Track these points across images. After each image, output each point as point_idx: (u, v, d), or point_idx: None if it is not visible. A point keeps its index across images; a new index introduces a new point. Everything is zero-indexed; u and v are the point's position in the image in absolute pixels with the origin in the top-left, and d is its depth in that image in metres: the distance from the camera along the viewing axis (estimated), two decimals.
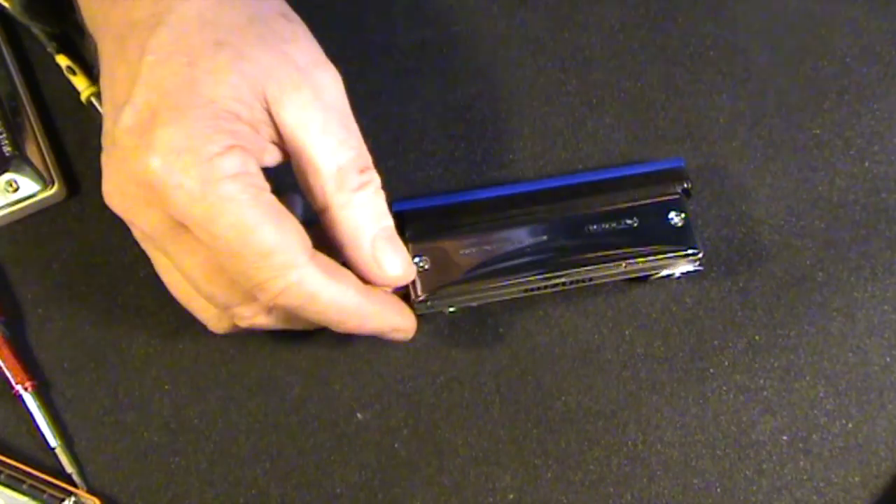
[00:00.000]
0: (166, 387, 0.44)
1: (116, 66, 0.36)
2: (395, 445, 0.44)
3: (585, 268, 0.42)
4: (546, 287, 0.43)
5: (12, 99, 0.47)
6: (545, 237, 0.42)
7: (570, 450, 0.43)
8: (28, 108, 0.47)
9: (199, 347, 0.45)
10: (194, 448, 0.44)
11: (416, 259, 0.41)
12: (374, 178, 0.38)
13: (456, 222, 0.42)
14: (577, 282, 0.43)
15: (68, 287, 0.45)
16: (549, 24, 0.48)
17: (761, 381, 0.44)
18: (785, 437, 0.43)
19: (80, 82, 0.47)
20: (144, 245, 0.39)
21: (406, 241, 0.41)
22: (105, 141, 0.36)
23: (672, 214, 0.42)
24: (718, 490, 0.43)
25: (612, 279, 0.44)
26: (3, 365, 0.44)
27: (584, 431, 0.44)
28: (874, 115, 0.47)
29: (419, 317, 0.42)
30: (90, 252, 0.46)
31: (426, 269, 0.41)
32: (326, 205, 0.37)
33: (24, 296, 0.45)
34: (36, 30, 0.47)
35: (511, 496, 0.43)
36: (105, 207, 0.46)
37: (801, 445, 0.43)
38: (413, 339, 0.44)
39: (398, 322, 0.40)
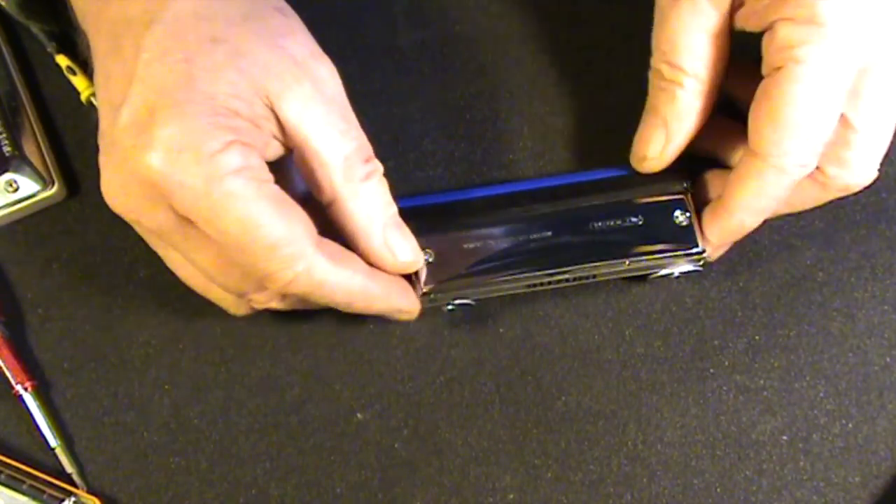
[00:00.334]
0: (166, 387, 0.44)
1: (111, 64, 0.36)
2: (395, 445, 0.44)
3: (589, 265, 0.42)
4: (549, 283, 0.43)
5: (12, 99, 0.47)
6: (549, 233, 0.42)
7: (570, 450, 0.43)
8: (28, 108, 0.47)
9: (199, 347, 0.45)
10: (194, 448, 0.44)
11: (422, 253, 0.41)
12: (378, 167, 0.38)
13: (460, 218, 0.42)
14: (580, 278, 0.43)
15: (68, 287, 0.45)
16: (549, 24, 0.48)
17: (761, 381, 0.44)
18: (785, 437, 0.43)
19: (80, 82, 0.47)
20: (152, 242, 0.39)
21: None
22: (102, 141, 0.36)
23: (677, 213, 0.42)
24: (718, 490, 0.43)
25: (614, 277, 0.44)
26: (3, 365, 0.44)
27: (584, 431, 0.44)
28: None
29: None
30: (90, 252, 0.46)
31: (430, 263, 0.41)
32: (335, 197, 0.37)
33: (24, 296, 0.45)
34: (35, 30, 0.47)
35: (511, 496, 0.43)
36: (105, 207, 0.46)
37: (801, 445, 0.43)
38: (413, 339, 0.44)
39: (403, 303, 0.40)
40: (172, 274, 0.45)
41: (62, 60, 0.47)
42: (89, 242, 0.46)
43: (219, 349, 0.45)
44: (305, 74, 0.36)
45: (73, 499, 0.43)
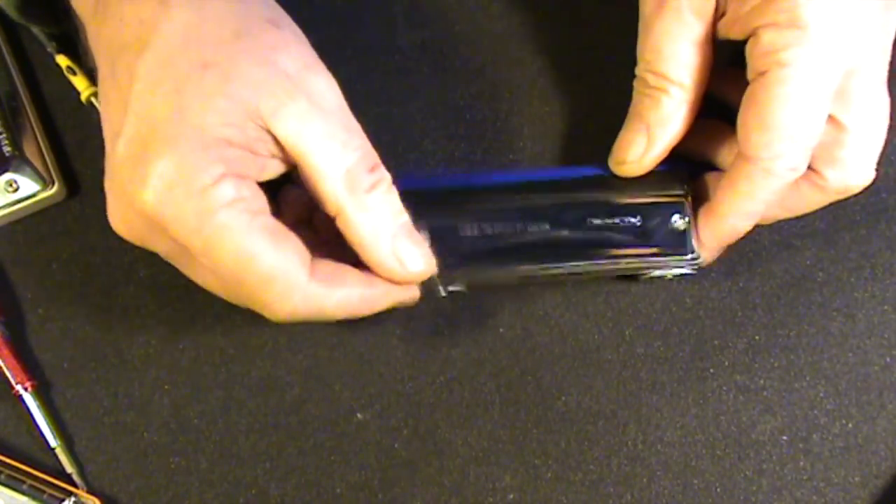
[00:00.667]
0: (166, 387, 0.44)
1: (109, 88, 0.36)
2: (395, 445, 0.44)
3: (583, 262, 0.42)
4: (542, 276, 0.43)
5: (12, 99, 0.47)
6: (546, 226, 0.42)
7: (570, 450, 0.43)
8: (28, 108, 0.47)
9: (199, 347, 0.45)
10: (194, 448, 0.44)
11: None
12: (385, 176, 0.37)
13: (459, 203, 0.42)
14: (574, 274, 0.43)
15: (68, 287, 0.45)
16: (549, 23, 0.48)
17: (761, 381, 0.44)
18: (785, 437, 0.43)
19: (80, 82, 0.47)
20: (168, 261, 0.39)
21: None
22: (107, 165, 0.36)
23: (675, 217, 0.42)
24: (718, 490, 0.43)
25: (606, 274, 0.44)
26: (3, 365, 0.44)
27: (584, 431, 0.44)
28: None
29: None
30: (90, 252, 0.46)
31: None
32: (339, 210, 0.36)
33: (24, 296, 0.45)
34: (36, 31, 0.47)
35: (511, 496, 0.43)
36: (105, 207, 0.46)
37: (801, 445, 0.43)
38: (413, 339, 0.44)
39: (403, 296, 0.39)
40: (172, 274, 0.44)
41: (62, 60, 0.47)
42: (89, 242, 0.46)
43: (219, 349, 0.45)
44: (299, 89, 0.35)
45: (73, 499, 0.43)
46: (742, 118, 0.38)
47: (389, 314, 0.44)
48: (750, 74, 0.38)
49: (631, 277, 0.44)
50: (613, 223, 0.42)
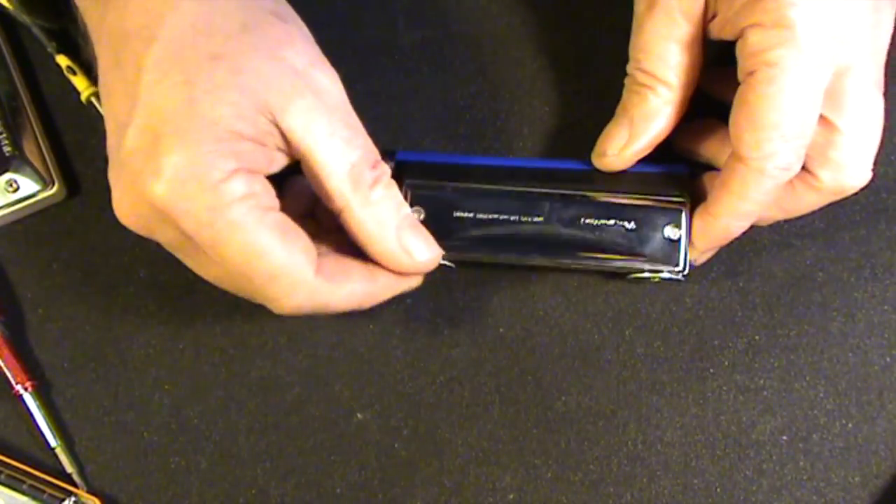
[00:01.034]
0: (166, 387, 0.44)
1: (113, 80, 0.36)
2: (395, 445, 0.44)
3: (571, 259, 0.42)
4: (528, 265, 0.44)
5: (12, 99, 0.47)
6: (540, 218, 0.42)
7: (570, 450, 0.43)
8: (28, 108, 0.47)
9: (199, 347, 0.45)
10: (194, 448, 0.44)
11: (412, 209, 0.41)
12: (386, 170, 0.38)
13: (457, 181, 0.42)
14: (561, 268, 0.44)
15: (68, 287, 0.45)
16: (549, 23, 0.48)
17: (761, 381, 0.44)
18: (785, 437, 0.43)
19: (80, 82, 0.47)
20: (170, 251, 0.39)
21: (404, 189, 0.41)
22: (111, 156, 0.36)
23: (669, 227, 0.42)
24: (718, 490, 0.43)
25: (592, 270, 0.44)
26: (3, 365, 0.44)
27: (584, 431, 0.44)
28: None
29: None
30: (90, 252, 0.46)
31: (420, 220, 0.41)
32: (344, 205, 0.37)
33: (24, 296, 0.45)
34: (36, 30, 0.47)
35: (511, 496, 0.43)
36: (105, 207, 0.46)
37: (801, 445, 0.43)
38: (413, 339, 0.44)
39: (404, 286, 0.40)
40: (172, 274, 0.45)
41: (62, 60, 0.47)
42: (89, 242, 0.46)
43: (219, 349, 0.45)
44: (306, 85, 0.36)
45: (73, 499, 0.43)
46: (733, 118, 0.38)
47: (390, 313, 0.44)
48: (740, 75, 0.38)
49: (618, 274, 0.44)
50: (607, 224, 0.42)
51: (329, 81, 0.37)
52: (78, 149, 0.47)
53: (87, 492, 0.43)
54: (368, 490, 0.43)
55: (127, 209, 0.36)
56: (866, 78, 0.38)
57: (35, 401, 0.44)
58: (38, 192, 0.45)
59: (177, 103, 0.34)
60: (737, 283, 0.45)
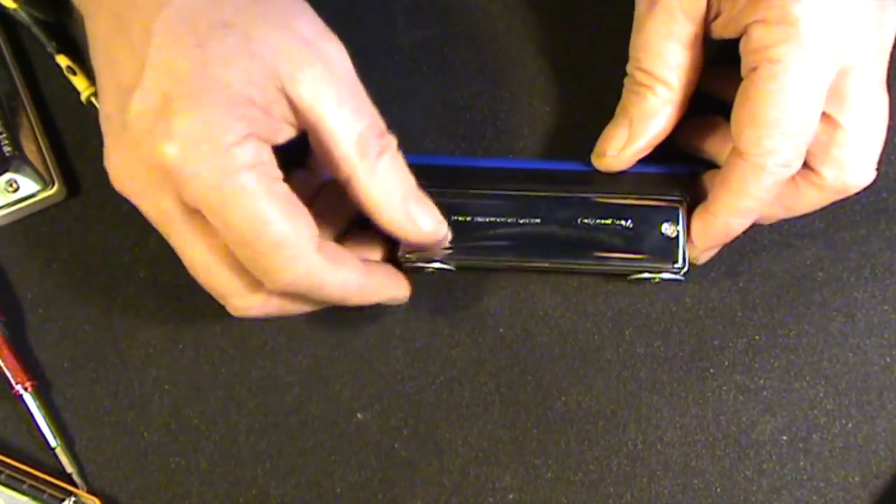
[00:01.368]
0: (166, 387, 0.44)
1: (116, 46, 0.36)
2: (395, 445, 0.44)
3: (570, 260, 0.42)
4: (529, 267, 0.43)
5: (12, 99, 0.47)
6: (538, 220, 0.42)
7: (570, 450, 0.43)
8: (28, 108, 0.47)
9: (199, 347, 0.45)
10: (194, 448, 0.44)
11: None
12: (392, 140, 0.38)
13: (455, 185, 0.42)
14: (560, 270, 0.44)
15: (68, 287, 0.45)
16: (549, 23, 0.48)
17: (761, 381, 0.44)
18: (785, 437, 0.43)
19: (80, 82, 0.47)
20: (155, 225, 0.38)
21: None
22: (107, 123, 0.36)
23: (666, 225, 0.42)
24: (718, 490, 0.43)
25: (591, 271, 0.44)
26: (3, 365, 0.44)
27: (584, 431, 0.44)
28: None
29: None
30: (90, 252, 0.46)
31: None
32: (351, 174, 0.37)
33: (24, 296, 0.45)
34: (36, 30, 0.47)
35: (511, 496, 0.43)
36: (105, 207, 0.46)
37: (801, 445, 0.43)
38: (413, 339, 0.44)
39: (396, 293, 0.41)
40: (172, 274, 0.45)
41: (62, 60, 0.47)
42: (89, 242, 0.46)
43: (219, 349, 0.45)
44: (316, 55, 0.36)
45: (73, 499, 0.43)
46: (735, 115, 0.38)
47: (390, 313, 0.44)
48: (743, 71, 0.38)
49: (618, 276, 0.44)
50: (605, 224, 0.42)
51: (337, 52, 0.37)
52: (78, 149, 0.47)
53: (87, 492, 0.43)
54: (368, 490, 0.43)
55: (123, 172, 0.36)
56: (871, 76, 0.38)
57: (35, 401, 0.44)
58: (38, 192, 0.45)
59: (189, 66, 0.34)
60: (737, 283, 0.45)
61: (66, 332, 0.45)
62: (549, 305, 0.45)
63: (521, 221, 0.42)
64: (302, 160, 0.42)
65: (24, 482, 0.43)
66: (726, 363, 0.44)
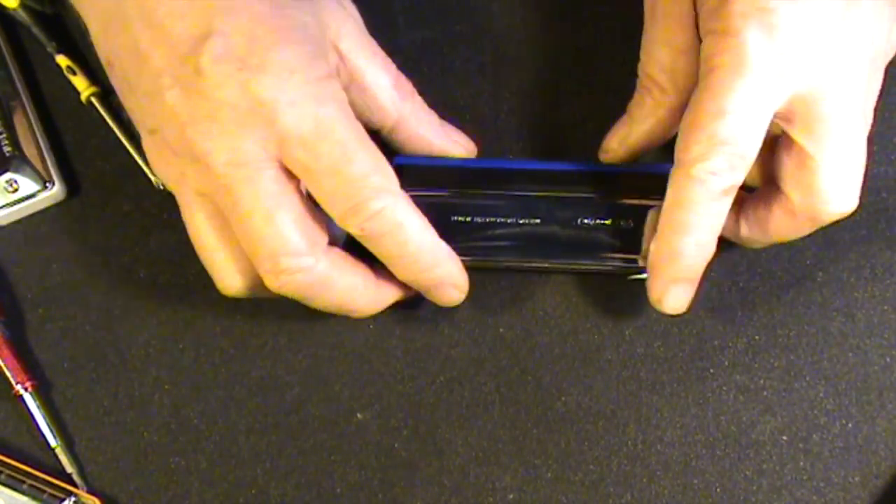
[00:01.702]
0: (166, 387, 0.44)
1: (165, 3, 0.36)
2: (395, 445, 0.44)
3: (570, 261, 0.42)
4: (528, 268, 0.43)
5: (12, 99, 0.47)
6: (537, 220, 0.42)
7: (570, 450, 0.43)
8: (28, 108, 0.47)
9: (199, 347, 0.45)
10: (194, 448, 0.44)
11: None
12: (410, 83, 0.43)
13: (454, 186, 0.42)
14: (560, 270, 0.44)
15: (68, 287, 0.45)
16: (549, 23, 0.48)
17: (761, 381, 0.44)
18: (785, 437, 0.43)
19: (79, 82, 0.47)
20: (191, 188, 0.38)
21: None
22: (162, 80, 0.36)
23: None
24: (718, 490, 0.43)
25: (592, 272, 0.44)
26: (3, 365, 0.44)
27: (584, 431, 0.44)
28: (874, 115, 0.47)
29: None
30: (90, 252, 0.46)
31: None
32: (399, 116, 0.42)
33: (24, 296, 0.45)
34: (36, 30, 0.47)
35: (511, 496, 0.43)
36: (105, 207, 0.46)
37: (801, 445, 0.43)
38: (413, 339, 0.44)
39: (458, 277, 0.41)
40: (172, 274, 0.45)
41: (62, 60, 0.47)
42: (89, 242, 0.46)
43: (219, 349, 0.45)
44: (348, 13, 0.40)
45: (73, 499, 0.43)
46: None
47: (390, 313, 0.44)
48: None
49: (617, 276, 0.44)
50: (605, 224, 0.42)
51: (357, 12, 0.41)
52: (78, 149, 0.47)
53: (87, 492, 0.43)
54: (368, 490, 0.43)
55: (202, 118, 0.36)
56: (845, 104, 0.37)
57: (35, 401, 0.44)
58: (38, 192, 0.45)
59: (266, 8, 0.36)
60: (737, 283, 0.45)
61: (66, 332, 0.45)
62: (549, 305, 0.45)
63: (521, 222, 0.42)
64: None
65: (24, 482, 0.43)
66: (726, 363, 0.44)
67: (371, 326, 0.45)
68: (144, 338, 0.45)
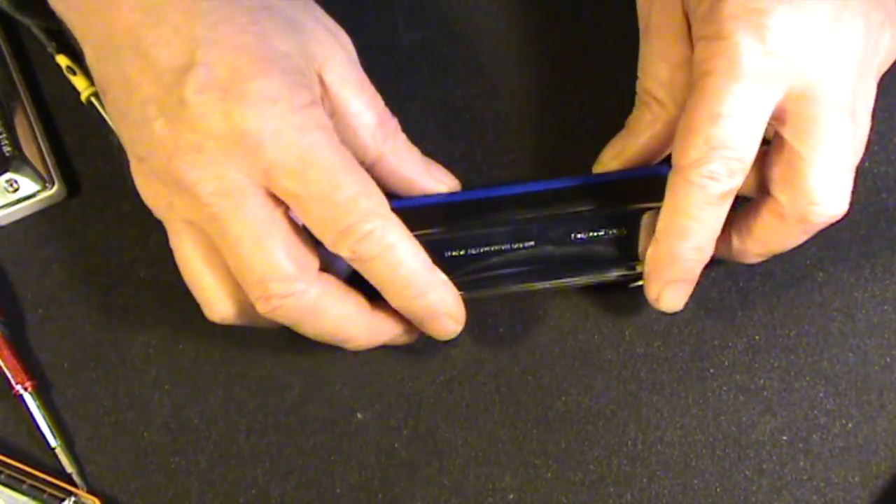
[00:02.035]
0: (166, 387, 0.44)
1: (150, 33, 0.36)
2: (395, 445, 0.44)
3: (569, 278, 0.42)
4: (529, 292, 0.43)
5: (12, 99, 0.47)
6: (532, 243, 0.42)
7: (570, 450, 0.43)
8: (28, 108, 0.47)
9: (199, 347, 0.45)
10: (194, 448, 0.44)
11: None
12: (396, 121, 0.42)
13: (442, 223, 0.42)
14: (560, 288, 0.44)
15: (68, 287, 0.45)
16: (549, 23, 0.48)
17: (761, 381, 0.44)
18: (785, 437, 0.43)
19: (80, 82, 0.47)
20: (168, 217, 0.38)
21: None
22: (150, 108, 0.36)
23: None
24: (718, 490, 0.43)
25: (593, 285, 0.44)
26: (3, 365, 0.44)
27: (584, 431, 0.44)
28: (874, 115, 0.47)
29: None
30: (90, 252, 0.46)
31: None
32: (380, 152, 0.40)
33: (24, 296, 0.45)
34: (36, 30, 0.47)
35: (511, 496, 0.43)
36: (105, 207, 0.46)
37: (801, 445, 0.43)
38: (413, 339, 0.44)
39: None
40: (172, 274, 0.44)
41: (62, 60, 0.47)
42: (89, 242, 0.46)
43: (219, 349, 0.45)
44: (339, 43, 0.39)
45: (73, 499, 0.43)
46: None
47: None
48: None
49: (618, 286, 0.44)
50: (598, 236, 0.42)
51: (349, 42, 0.40)
52: (78, 149, 0.47)
53: (87, 492, 0.43)
54: (368, 490, 0.43)
55: (186, 149, 0.35)
56: (834, 104, 0.37)
57: (35, 401, 0.44)
58: (38, 192, 0.45)
59: (250, 39, 0.36)
60: (737, 283, 0.45)
61: (66, 332, 0.45)
62: (549, 305, 0.45)
63: (516, 247, 0.42)
64: None
65: (24, 482, 0.43)
66: (726, 363, 0.44)
67: None
68: (144, 338, 0.45)
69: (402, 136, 0.41)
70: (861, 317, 0.45)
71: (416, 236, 0.40)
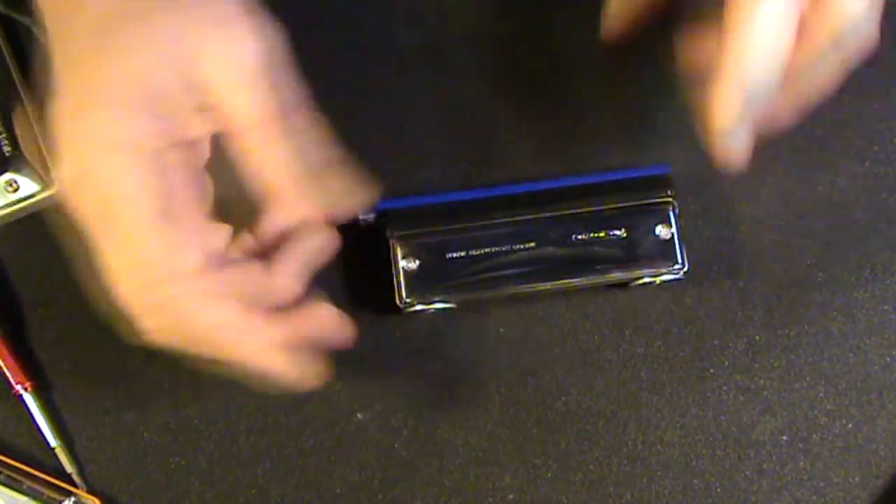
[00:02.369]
0: (166, 387, 0.44)
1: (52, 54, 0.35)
2: (395, 445, 0.44)
3: (571, 278, 0.42)
4: (530, 293, 0.43)
5: (12, 99, 0.46)
6: (532, 244, 0.42)
7: (570, 450, 0.43)
8: (28, 109, 0.47)
9: None
10: (194, 448, 0.44)
11: (403, 261, 0.42)
12: (304, 120, 0.36)
13: (443, 224, 0.42)
14: (563, 288, 0.43)
15: (68, 287, 0.45)
16: (548, 24, 0.48)
17: (761, 381, 0.44)
18: (785, 437, 0.43)
19: None
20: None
21: (391, 242, 0.42)
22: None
23: (659, 227, 0.42)
24: (718, 490, 0.43)
25: (594, 285, 0.44)
26: (3, 365, 0.44)
27: (584, 431, 0.44)
28: (874, 115, 0.47)
29: (414, 315, 0.42)
30: (90, 252, 0.46)
31: (413, 271, 0.41)
32: (248, 150, 0.36)
33: (24, 296, 0.45)
34: (36, 30, 0.47)
35: (511, 496, 0.43)
36: None
37: (801, 445, 0.43)
38: (413, 339, 0.44)
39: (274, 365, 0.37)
40: None
41: None
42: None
43: None
44: (222, 35, 0.35)
45: (73, 499, 0.43)
46: None
47: (389, 313, 0.44)
48: None
49: (620, 285, 0.44)
50: (599, 237, 0.42)
51: (248, 31, 0.35)
52: None
53: (87, 492, 0.43)
54: (368, 490, 0.43)
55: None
56: None
57: (35, 401, 0.44)
58: (38, 192, 0.45)
59: (95, 61, 0.34)
60: (737, 283, 0.45)
61: (66, 332, 0.45)
62: (549, 305, 0.45)
63: (517, 248, 0.42)
64: None
65: (24, 482, 0.43)
66: (726, 363, 0.44)
67: (371, 326, 0.45)
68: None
69: (286, 138, 0.35)
70: (861, 317, 0.45)
71: (416, 236, 0.40)
